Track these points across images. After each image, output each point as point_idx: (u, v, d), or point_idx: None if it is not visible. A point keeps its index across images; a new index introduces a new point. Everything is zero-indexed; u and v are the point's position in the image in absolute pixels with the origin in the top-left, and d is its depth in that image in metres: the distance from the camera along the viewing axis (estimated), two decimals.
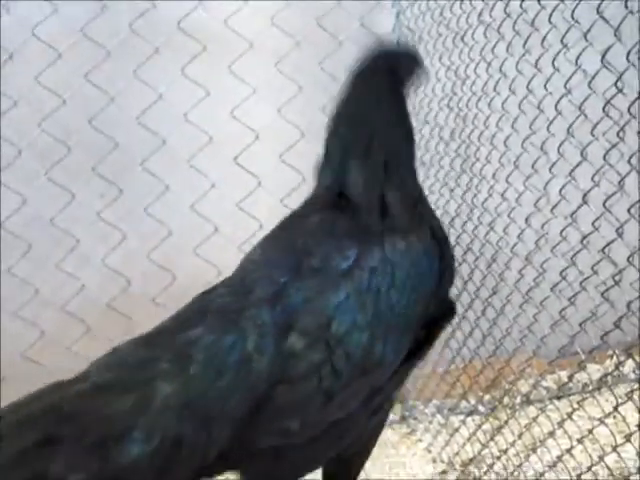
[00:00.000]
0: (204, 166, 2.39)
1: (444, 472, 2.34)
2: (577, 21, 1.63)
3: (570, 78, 1.71)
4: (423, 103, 2.55)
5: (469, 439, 2.32)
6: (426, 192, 2.54)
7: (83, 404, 1.02)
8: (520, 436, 2.06)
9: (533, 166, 1.98)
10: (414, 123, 2.55)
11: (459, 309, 2.42)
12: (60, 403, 1.02)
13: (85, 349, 2.33)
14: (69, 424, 0.99)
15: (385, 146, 1.42)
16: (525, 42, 1.89)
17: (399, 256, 1.31)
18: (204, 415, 1.07)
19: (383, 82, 1.46)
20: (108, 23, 2.28)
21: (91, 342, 2.35)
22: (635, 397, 1.56)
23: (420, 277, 1.34)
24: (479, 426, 2.31)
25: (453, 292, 2.38)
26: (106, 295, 2.39)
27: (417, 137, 2.57)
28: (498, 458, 2.15)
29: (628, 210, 1.48)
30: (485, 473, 2.19)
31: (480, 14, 2.16)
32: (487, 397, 2.53)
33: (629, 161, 1.54)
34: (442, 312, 1.44)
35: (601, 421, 1.65)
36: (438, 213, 2.51)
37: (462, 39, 2.28)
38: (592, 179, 1.66)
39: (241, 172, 2.38)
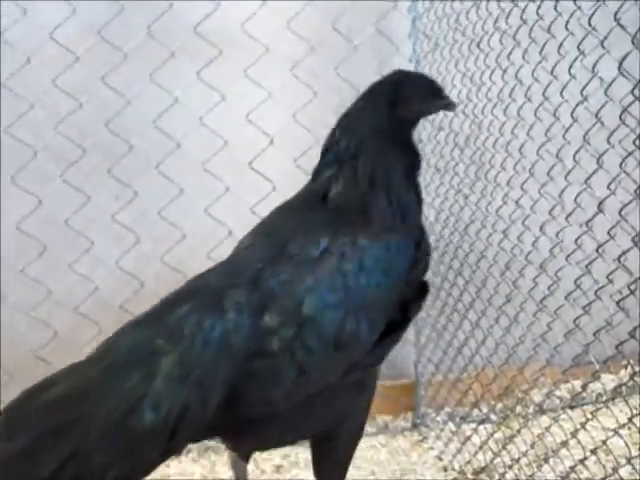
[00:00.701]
0: (219, 170, 2.40)
1: None
2: (594, 28, 1.62)
3: (586, 85, 1.70)
4: None
5: (481, 447, 2.31)
6: (440, 198, 2.55)
7: (101, 384, 1.17)
8: (533, 446, 2.04)
9: (548, 174, 1.96)
10: (428, 128, 2.58)
11: (473, 317, 2.41)
12: (83, 385, 1.16)
13: None
14: (93, 404, 1.13)
15: (372, 154, 1.52)
16: (541, 49, 1.88)
17: (368, 243, 1.42)
18: (200, 383, 1.21)
19: (384, 99, 1.56)
20: (125, 26, 2.30)
21: None
22: None
23: (392, 263, 1.45)
24: (491, 435, 2.29)
25: (467, 298, 2.39)
26: (119, 297, 2.40)
27: (432, 143, 2.58)
28: (510, 467, 2.13)
29: None
30: None
31: (496, 21, 2.15)
32: (499, 406, 2.51)
33: None
34: (416, 294, 1.54)
35: (615, 432, 1.63)
36: (452, 220, 2.50)
37: (478, 46, 2.27)
38: (608, 187, 1.64)
39: (255, 176, 2.38)
